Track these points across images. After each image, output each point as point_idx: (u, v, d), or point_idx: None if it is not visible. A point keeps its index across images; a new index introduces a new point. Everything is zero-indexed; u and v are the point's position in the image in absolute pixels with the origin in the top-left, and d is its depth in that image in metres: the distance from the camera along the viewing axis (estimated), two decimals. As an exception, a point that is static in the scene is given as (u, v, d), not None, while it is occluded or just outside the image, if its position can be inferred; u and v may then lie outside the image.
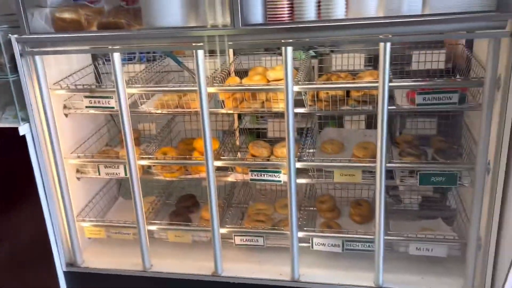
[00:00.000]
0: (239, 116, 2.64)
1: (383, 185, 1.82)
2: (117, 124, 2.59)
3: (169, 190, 2.63)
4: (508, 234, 1.69)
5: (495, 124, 1.67)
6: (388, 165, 1.84)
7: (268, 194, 2.64)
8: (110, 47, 1.83)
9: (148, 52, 2.68)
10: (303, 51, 2.54)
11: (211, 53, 2.52)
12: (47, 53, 1.93)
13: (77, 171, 2.29)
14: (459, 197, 2.23)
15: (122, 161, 2.14)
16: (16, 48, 1.89)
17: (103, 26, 1.84)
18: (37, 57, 1.91)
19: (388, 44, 1.64)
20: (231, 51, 2.42)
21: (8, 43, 1.90)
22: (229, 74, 2.33)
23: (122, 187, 2.77)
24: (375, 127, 1.79)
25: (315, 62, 2.94)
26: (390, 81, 1.73)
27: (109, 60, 1.93)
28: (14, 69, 1.94)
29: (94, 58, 2.47)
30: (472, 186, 1.83)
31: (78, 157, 2.19)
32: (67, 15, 1.84)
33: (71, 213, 2.18)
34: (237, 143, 2.50)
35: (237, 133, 2.47)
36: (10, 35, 1.87)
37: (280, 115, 2.38)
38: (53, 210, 2.15)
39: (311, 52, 2.81)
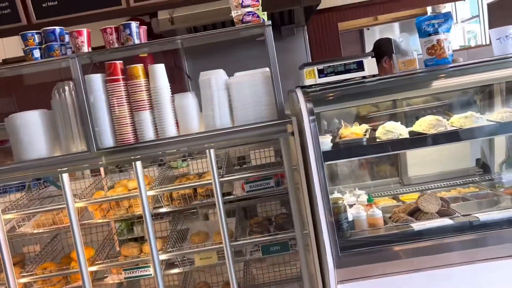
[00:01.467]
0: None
1: (231, 260, 2.23)
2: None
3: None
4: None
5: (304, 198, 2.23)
6: (233, 243, 2.28)
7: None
8: (-17, 181, 2.15)
9: (39, 179, 2.97)
10: (182, 160, 3.02)
11: (92, 172, 2.91)
12: None
13: (-43, 302, 2.39)
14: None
15: (1, 283, 2.32)
16: None
17: (-24, 165, 2.17)
18: None
19: (212, 150, 2.18)
20: (102, 171, 2.82)
21: None
22: (102, 189, 2.70)
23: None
24: (233, 215, 2.25)
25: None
26: (222, 176, 2.25)
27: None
28: None
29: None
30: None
31: (-43, 287, 2.32)
32: None
33: None
34: (118, 248, 2.78)
35: (115, 239, 2.77)
36: None
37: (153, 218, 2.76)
38: None
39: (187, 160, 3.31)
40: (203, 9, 3.61)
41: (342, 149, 2.24)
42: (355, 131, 2.35)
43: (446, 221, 2.12)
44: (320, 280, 2.20)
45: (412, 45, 2.35)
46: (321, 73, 2.26)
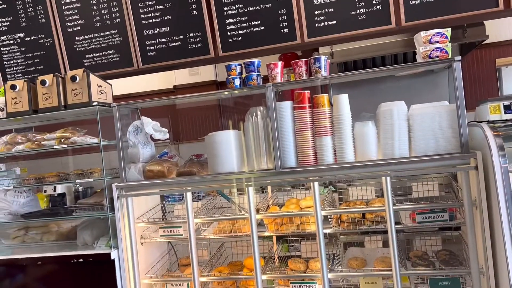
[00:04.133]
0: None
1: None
2: (176, 253, 3.16)
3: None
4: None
5: (479, 235, 2.18)
6: (402, 272, 2.30)
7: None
8: (184, 188, 2.51)
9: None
10: (324, 187, 3.18)
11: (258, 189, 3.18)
12: (138, 195, 2.61)
13: (146, 291, 2.78)
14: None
15: (186, 279, 2.64)
16: (115, 192, 2.59)
17: (181, 174, 2.55)
18: (129, 199, 2.59)
19: (388, 178, 2.26)
20: (269, 189, 3.08)
21: (109, 189, 2.62)
22: (268, 206, 2.94)
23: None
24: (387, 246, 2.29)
25: (335, 195, 3.56)
26: (394, 205, 2.31)
27: (174, 201, 2.59)
28: (111, 208, 2.62)
29: (162, 199, 3.15)
30: (473, 288, 2.24)
31: (151, 277, 2.71)
32: (154, 167, 2.58)
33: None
34: (276, 263, 2.98)
35: (276, 256, 2.97)
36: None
37: (311, 238, 2.91)
38: (128, 323, 2.59)
39: (331, 187, 3.46)
40: (359, 45, 3.79)
41: (528, 188, 2.15)
42: (541, 170, 2.24)
43: None
44: (498, 323, 2.11)
45: None
46: (508, 109, 2.22)
